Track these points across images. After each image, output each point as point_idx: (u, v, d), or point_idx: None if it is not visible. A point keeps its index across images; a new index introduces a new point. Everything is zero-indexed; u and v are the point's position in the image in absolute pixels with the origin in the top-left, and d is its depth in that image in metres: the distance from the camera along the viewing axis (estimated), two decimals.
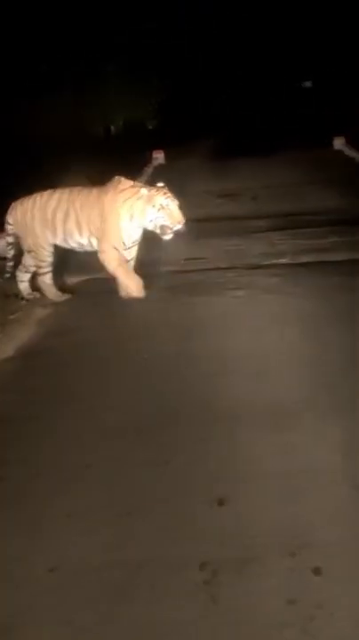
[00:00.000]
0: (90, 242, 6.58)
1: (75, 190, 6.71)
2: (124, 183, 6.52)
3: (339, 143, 17.32)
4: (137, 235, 6.50)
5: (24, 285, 6.88)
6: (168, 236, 6.35)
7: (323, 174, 12.99)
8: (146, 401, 4.22)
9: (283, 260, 7.35)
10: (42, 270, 6.72)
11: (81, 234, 6.57)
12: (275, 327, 5.39)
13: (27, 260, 6.83)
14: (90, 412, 4.13)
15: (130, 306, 6.23)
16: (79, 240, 6.60)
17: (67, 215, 6.58)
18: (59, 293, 6.74)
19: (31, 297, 6.82)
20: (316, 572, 2.61)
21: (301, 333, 5.19)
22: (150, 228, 6.39)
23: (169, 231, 6.31)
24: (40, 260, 6.69)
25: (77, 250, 6.74)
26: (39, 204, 6.67)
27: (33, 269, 6.82)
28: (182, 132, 21.93)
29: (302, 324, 5.37)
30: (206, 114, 26.34)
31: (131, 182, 6.60)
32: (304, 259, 7.29)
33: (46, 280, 6.72)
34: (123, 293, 6.48)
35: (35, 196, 6.78)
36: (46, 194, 6.74)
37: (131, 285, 6.45)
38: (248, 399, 4.12)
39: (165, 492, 3.21)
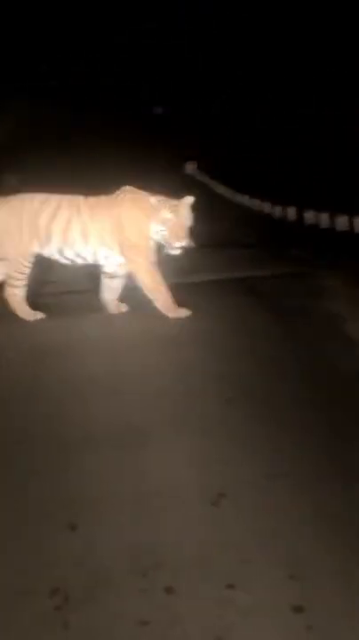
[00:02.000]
0: (96, 253, 6.12)
1: (79, 198, 6.23)
2: (137, 191, 6.18)
3: (190, 168, 17.74)
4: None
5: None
6: (174, 251, 6.03)
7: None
8: None
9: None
10: (15, 283, 6.16)
11: (86, 244, 6.10)
12: (136, 348, 5.41)
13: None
14: None
15: None
16: (81, 251, 6.11)
17: (68, 224, 6.09)
18: (31, 311, 6.21)
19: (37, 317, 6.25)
20: (168, 590, 2.61)
21: (163, 354, 5.24)
22: (158, 239, 6.06)
23: (172, 246, 6.01)
24: (16, 271, 6.14)
25: (68, 263, 6.21)
26: (30, 207, 6.13)
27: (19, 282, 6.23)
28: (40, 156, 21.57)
29: (164, 345, 5.43)
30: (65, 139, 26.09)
31: (141, 191, 6.20)
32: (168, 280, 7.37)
33: (19, 294, 6.16)
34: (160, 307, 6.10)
35: (23, 197, 6.23)
36: (39, 198, 6.20)
37: (169, 306, 6.07)
38: (103, 421, 4.11)
39: (17, 520, 3.13)
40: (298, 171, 13.26)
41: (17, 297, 6.22)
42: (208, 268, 7.28)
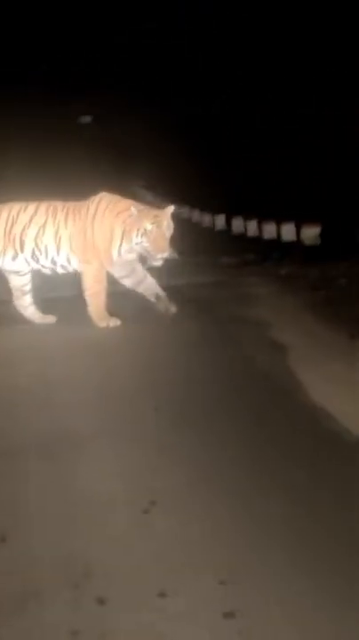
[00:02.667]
0: (68, 260, 6.03)
1: (57, 203, 6.14)
2: (114, 197, 6.09)
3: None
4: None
5: (31, 310, 6.23)
6: (156, 263, 5.96)
7: None
8: None
9: (67, 294, 7.35)
10: None
11: (59, 250, 5.98)
12: (65, 358, 5.39)
13: (15, 280, 6.17)
14: None
15: None
16: (55, 258, 6.00)
17: (43, 229, 5.98)
18: None
19: (46, 320, 6.20)
20: (100, 601, 2.59)
21: (92, 363, 5.24)
22: (137, 250, 5.96)
23: (154, 258, 5.92)
24: None
25: (48, 272, 6.15)
26: (6, 216, 6.05)
27: (29, 287, 6.18)
28: None
29: (93, 354, 5.42)
30: None
31: (119, 197, 6.12)
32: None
33: None
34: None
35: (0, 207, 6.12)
36: (17, 206, 6.12)
37: (100, 314, 6.03)
38: (32, 431, 4.07)
39: None
40: (225, 179, 13.37)
41: None
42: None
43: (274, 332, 5.76)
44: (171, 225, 6.01)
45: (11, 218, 6.11)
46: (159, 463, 3.61)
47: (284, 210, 11.53)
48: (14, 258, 6.12)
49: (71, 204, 6.19)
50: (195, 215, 14.04)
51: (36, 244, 6.06)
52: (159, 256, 5.94)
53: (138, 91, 18.97)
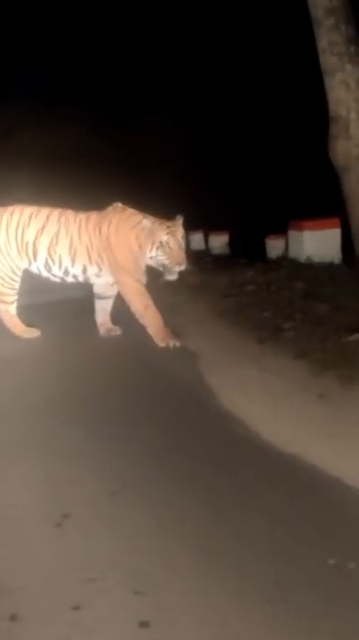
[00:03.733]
0: (85, 271, 5.86)
1: (69, 212, 5.93)
2: (128, 210, 5.87)
3: None
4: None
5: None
6: (172, 276, 5.73)
7: None
8: None
9: None
10: (7, 299, 5.94)
11: (74, 261, 5.80)
12: None
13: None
14: None
15: None
16: (70, 268, 5.83)
17: (56, 239, 5.80)
18: (26, 328, 5.98)
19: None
20: (13, 618, 2.55)
21: (2, 376, 5.15)
22: (152, 264, 5.75)
23: (171, 271, 5.70)
24: (7, 287, 5.91)
25: (58, 280, 5.98)
26: (17, 221, 5.84)
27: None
28: None
29: (4, 367, 5.33)
30: None
31: (133, 210, 5.89)
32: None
33: (11, 311, 5.95)
34: (152, 335, 5.79)
35: (9, 210, 5.93)
36: (27, 210, 5.91)
37: (161, 332, 5.74)
38: None
39: None
40: (134, 189, 13.42)
41: (9, 314, 6.04)
42: (52, 288, 7.23)
43: (185, 339, 5.79)
44: (184, 235, 5.91)
45: (24, 222, 5.96)
46: (72, 475, 3.57)
47: (192, 220, 11.63)
48: (29, 265, 6.04)
49: (84, 215, 6.04)
50: None
51: (49, 254, 5.96)
52: (177, 268, 5.77)
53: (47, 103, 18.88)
